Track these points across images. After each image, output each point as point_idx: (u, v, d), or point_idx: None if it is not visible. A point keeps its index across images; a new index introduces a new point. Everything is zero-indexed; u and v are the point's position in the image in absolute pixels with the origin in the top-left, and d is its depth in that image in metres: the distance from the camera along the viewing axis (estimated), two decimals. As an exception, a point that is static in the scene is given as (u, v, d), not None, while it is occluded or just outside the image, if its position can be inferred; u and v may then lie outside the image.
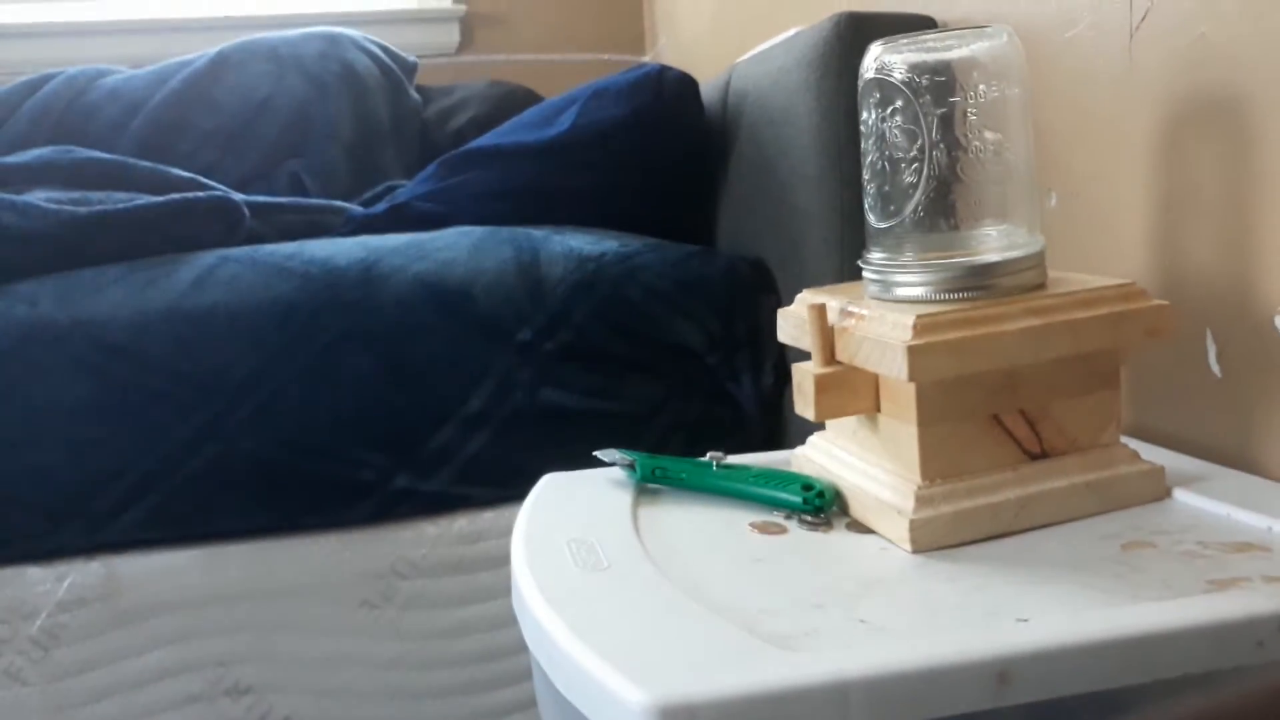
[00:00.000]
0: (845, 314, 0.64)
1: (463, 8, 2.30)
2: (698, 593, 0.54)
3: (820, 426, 0.71)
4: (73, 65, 1.84)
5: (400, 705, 1.06)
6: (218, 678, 1.04)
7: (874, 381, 0.63)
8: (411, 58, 1.94)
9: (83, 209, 1.12)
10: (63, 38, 2.18)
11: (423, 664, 1.07)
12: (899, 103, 0.63)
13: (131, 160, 1.30)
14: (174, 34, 2.18)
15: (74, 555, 1.03)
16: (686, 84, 1.31)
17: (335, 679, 1.05)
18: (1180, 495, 0.63)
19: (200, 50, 1.78)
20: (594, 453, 0.75)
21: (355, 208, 1.41)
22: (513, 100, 1.88)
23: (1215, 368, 0.70)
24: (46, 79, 1.72)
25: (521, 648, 1.05)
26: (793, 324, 0.69)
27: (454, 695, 1.07)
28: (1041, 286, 0.63)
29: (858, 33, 0.97)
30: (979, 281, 0.61)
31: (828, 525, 0.64)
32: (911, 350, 0.57)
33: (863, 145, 0.66)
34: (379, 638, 1.06)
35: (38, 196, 1.13)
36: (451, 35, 2.31)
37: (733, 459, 0.73)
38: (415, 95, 1.90)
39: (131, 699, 1.03)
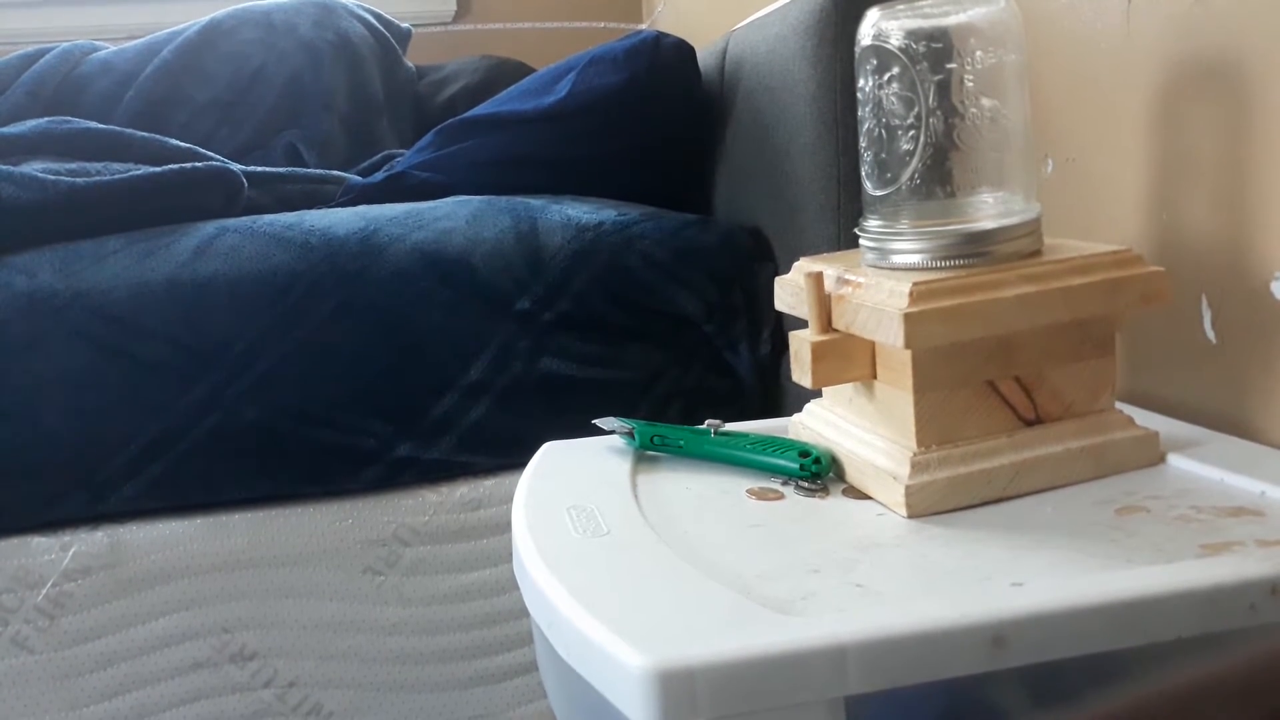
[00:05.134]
0: (842, 282, 0.64)
1: (459, -26, 2.29)
2: (696, 558, 0.55)
3: (817, 394, 0.72)
4: (70, 34, 1.83)
5: (403, 669, 1.08)
6: (223, 644, 1.05)
7: (870, 349, 0.63)
8: (405, 25, 1.93)
9: (81, 180, 1.11)
10: (61, 7, 2.17)
11: (425, 629, 1.08)
12: (896, 69, 0.63)
13: (128, 130, 1.29)
14: (171, 3, 2.17)
15: (78, 525, 1.04)
16: (683, 51, 1.31)
17: (339, 644, 1.07)
18: (1174, 460, 0.63)
19: (197, 19, 1.77)
20: (593, 421, 0.75)
21: (354, 177, 1.41)
22: (504, 72, 1.87)
23: (1210, 334, 0.70)
24: (43, 52, 1.71)
25: (522, 612, 1.06)
26: (790, 292, 0.70)
27: (456, 659, 1.08)
28: (1037, 253, 0.64)
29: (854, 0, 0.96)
30: (975, 248, 0.61)
31: (824, 491, 0.65)
32: (907, 318, 0.57)
33: (859, 112, 0.66)
34: (382, 603, 1.07)
35: (35, 167, 1.13)
36: (448, 3, 2.30)
37: (730, 426, 0.73)
38: (409, 64, 1.89)
39: (137, 666, 1.04)
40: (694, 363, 1.12)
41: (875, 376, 0.63)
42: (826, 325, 0.64)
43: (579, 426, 0.78)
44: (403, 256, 1.08)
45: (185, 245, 1.08)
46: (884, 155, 0.64)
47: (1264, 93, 0.65)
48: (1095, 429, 0.63)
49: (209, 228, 1.11)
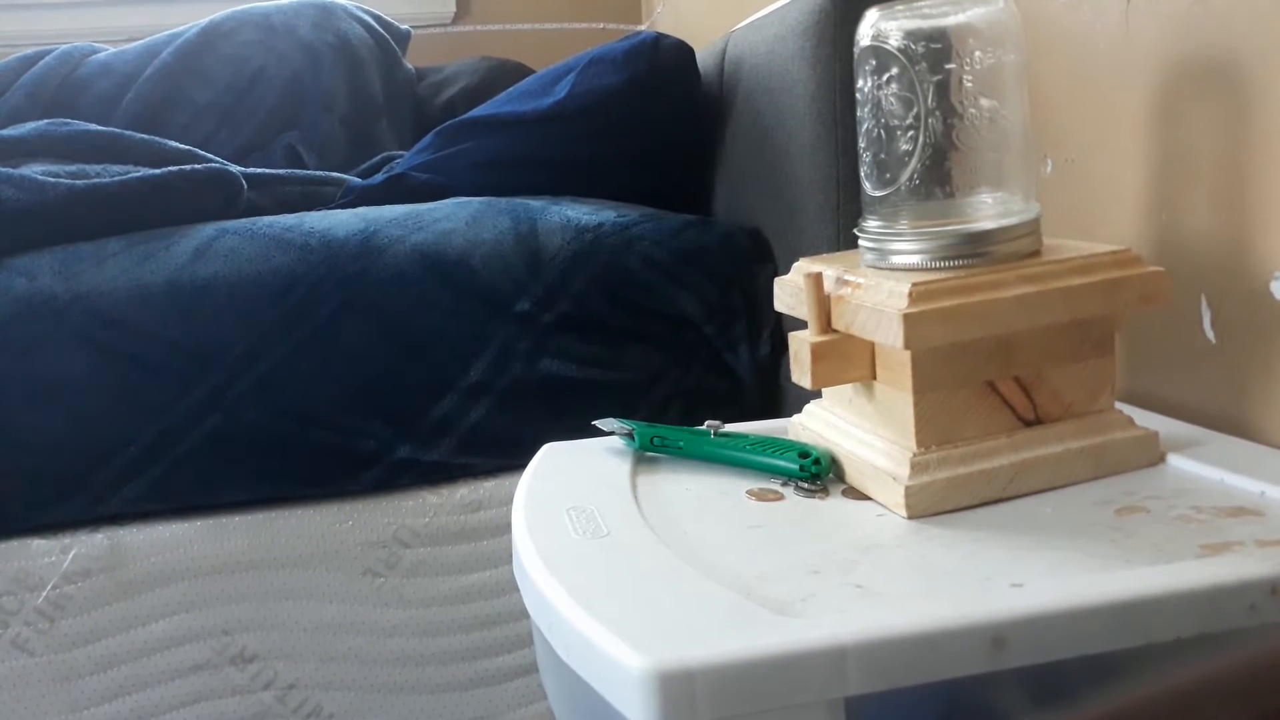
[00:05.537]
0: (841, 282, 0.64)
1: (458, -24, 2.29)
2: (696, 559, 0.55)
3: (817, 394, 0.72)
4: (69, 37, 1.83)
5: (404, 671, 1.08)
6: (223, 646, 1.05)
7: (870, 349, 0.63)
8: (405, 27, 1.93)
9: (80, 182, 1.11)
10: (60, 9, 2.17)
11: (426, 630, 1.08)
12: (895, 70, 0.63)
13: (127, 132, 1.29)
14: (170, 5, 2.17)
15: (78, 527, 1.04)
16: (683, 52, 1.31)
17: (340, 646, 1.07)
18: (1174, 460, 0.63)
19: (197, 21, 1.77)
20: (593, 422, 0.75)
21: (353, 179, 1.41)
22: (503, 73, 1.87)
23: (1210, 334, 0.70)
24: (41, 54, 1.71)
25: (522, 614, 1.06)
26: (789, 293, 0.70)
27: (457, 661, 1.08)
28: (1037, 253, 0.64)
29: (853, 0, 0.96)
30: (974, 249, 0.61)
31: (824, 492, 0.65)
32: (907, 318, 0.57)
33: (858, 113, 0.66)
34: (382, 605, 1.07)
35: (34, 170, 1.13)
36: (447, 5, 2.30)
37: (730, 427, 0.73)
38: (409, 66, 1.89)
39: (137, 668, 1.04)
40: (694, 364, 1.12)
41: (875, 377, 0.63)
42: (826, 326, 0.64)
43: (579, 428, 0.78)
44: (402, 258, 1.08)
45: (185, 247, 1.08)
46: (883, 156, 0.64)
47: (1263, 93, 0.64)
48: (1095, 429, 0.63)
49: (208, 230, 1.11)
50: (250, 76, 1.70)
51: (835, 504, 0.63)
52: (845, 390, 0.68)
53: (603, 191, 1.27)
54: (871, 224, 0.65)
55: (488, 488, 1.09)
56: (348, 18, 1.81)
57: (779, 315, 1.13)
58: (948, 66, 0.62)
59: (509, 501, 1.07)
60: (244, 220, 1.14)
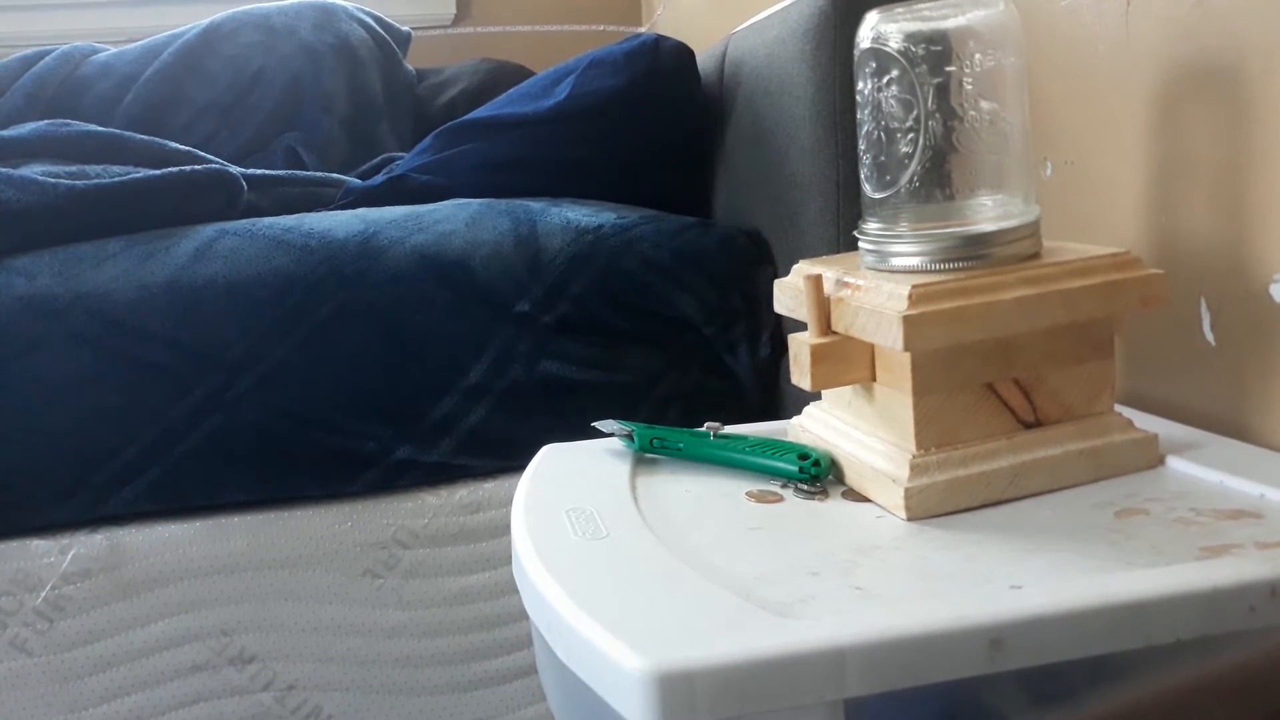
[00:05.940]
0: (841, 284, 0.64)
1: (458, -22, 2.29)
2: (695, 561, 0.55)
3: (816, 396, 0.72)
4: (69, 38, 1.84)
5: (403, 672, 1.07)
6: (222, 647, 1.05)
7: (870, 351, 0.63)
8: (405, 29, 1.94)
9: (80, 183, 1.12)
10: (61, 10, 2.17)
11: (425, 632, 1.08)
12: (895, 72, 0.63)
13: (127, 133, 1.29)
14: (170, 6, 2.17)
15: (77, 527, 1.04)
16: (683, 54, 1.31)
17: (338, 647, 1.06)
18: (1173, 463, 0.63)
19: (197, 21, 1.78)
20: (592, 423, 0.75)
21: (353, 180, 1.41)
22: (503, 75, 1.87)
23: (1209, 336, 0.70)
24: (41, 55, 1.71)
25: (522, 615, 1.06)
26: (789, 295, 0.70)
27: (456, 662, 1.08)
28: (1037, 256, 0.64)
29: (853, 2, 0.96)
30: (974, 251, 0.61)
31: (824, 494, 0.65)
32: (907, 320, 0.57)
33: (859, 115, 0.66)
34: (381, 606, 1.07)
35: (34, 170, 1.13)
36: (447, 6, 2.30)
37: (730, 429, 0.73)
38: (409, 67, 1.89)
39: (136, 669, 1.04)
40: (693, 365, 1.12)
41: (874, 379, 0.63)
42: (826, 328, 0.64)
43: (578, 429, 0.78)
44: (402, 259, 1.08)
45: (185, 248, 1.08)
46: (883, 158, 0.64)
47: (1263, 95, 0.65)
48: (1094, 431, 0.63)
49: (208, 230, 1.11)
50: (251, 77, 1.70)
51: (835, 506, 0.63)
52: (845, 392, 0.68)
53: (603, 193, 1.27)
54: (871, 226, 0.65)
55: (487, 489, 1.09)
56: (348, 19, 1.81)
57: (779, 317, 1.13)
58: (948, 69, 0.62)
59: (508, 503, 1.07)
60: (244, 221, 1.14)
